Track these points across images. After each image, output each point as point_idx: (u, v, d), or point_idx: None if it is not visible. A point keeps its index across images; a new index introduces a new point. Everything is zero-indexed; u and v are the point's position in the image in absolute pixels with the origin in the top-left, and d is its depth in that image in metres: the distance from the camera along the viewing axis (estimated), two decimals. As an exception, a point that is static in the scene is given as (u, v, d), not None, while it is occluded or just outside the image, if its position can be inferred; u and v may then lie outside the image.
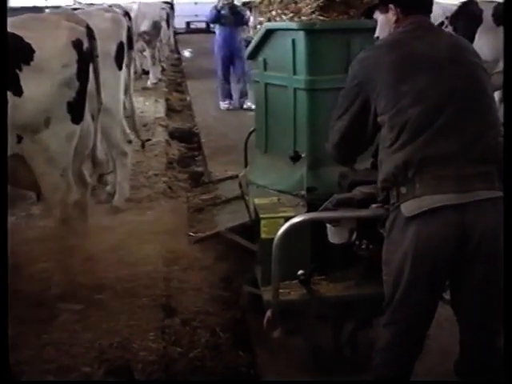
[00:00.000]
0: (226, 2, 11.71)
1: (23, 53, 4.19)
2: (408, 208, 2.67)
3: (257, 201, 4.00)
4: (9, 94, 4.10)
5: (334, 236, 3.39)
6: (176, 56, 22.47)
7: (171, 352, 3.95)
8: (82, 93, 4.47)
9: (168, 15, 17.06)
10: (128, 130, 6.44)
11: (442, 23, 9.61)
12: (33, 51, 4.20)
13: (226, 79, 12.08)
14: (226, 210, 4.92)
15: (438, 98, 2.71)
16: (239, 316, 4.52)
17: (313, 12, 4.19)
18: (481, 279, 2.72)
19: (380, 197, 2.92)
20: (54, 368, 3.72)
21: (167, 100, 13.17)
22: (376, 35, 3.21)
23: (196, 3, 39.03)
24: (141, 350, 3.89)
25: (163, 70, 17.36)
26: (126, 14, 7.46)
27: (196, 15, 37.30)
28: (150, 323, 4.15)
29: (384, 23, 3.09)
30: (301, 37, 4.12)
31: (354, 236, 3.34)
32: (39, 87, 4.23)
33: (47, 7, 9.76)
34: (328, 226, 3.38)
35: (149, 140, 7.52)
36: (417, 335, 2.93)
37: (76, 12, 6.21)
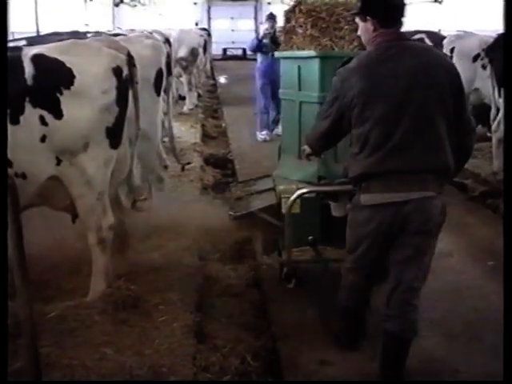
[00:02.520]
0: (267, 32, 11.69)
1: (64, 77, 4.29)
2: (365, 199, 3.77)
3: (281, 187, 5.19)
4: (49, 116, 4.21)
5: (335, 210, 4.77)
6: (212, 82, 22.66)
7: (201, 378, 3.93)
8: (120, 118, 4.55)
9: (205, 42, 17.26)
10: (164, 155, 6.49)
11: (478, 55, 9.59)
12: (74, 76, 4.30)
13: (266, 110, 12.08)
14: (259, 198, 6.12)
15: (391, 125, 3.63)
16: (270, 344, 4.52)
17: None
18: (406, 248, 3.76)
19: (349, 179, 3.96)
20: (84, 389, 3.74)
21: (203, 126, 13.28)
22: (358, 33, 4.05)
23: (233, 30, 39.56)
24: (171, 375, 3.88)
25: (199, 95, 17.53)
26: (167, 40, 7.57)
27: (233, 42, 37.74)
28: (181, 348, 4.14)
29: (364, 30, 3.90)
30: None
31: None
32: (79, 111, 4.32)
33: (89, 32, 9.91)
34: (331, 203, 4.76)
35: (189, 163, 7.55)
36: (374, 277, 4.11)
37: (117, 38, 6.33)
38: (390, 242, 3.79)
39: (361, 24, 3.90)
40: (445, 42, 10.35)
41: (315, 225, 5.07)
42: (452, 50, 10.02)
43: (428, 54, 3.82)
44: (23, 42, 7.72)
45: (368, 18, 3.81)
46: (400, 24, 3.81)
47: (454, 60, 9.91)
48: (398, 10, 3.82)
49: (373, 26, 3.78)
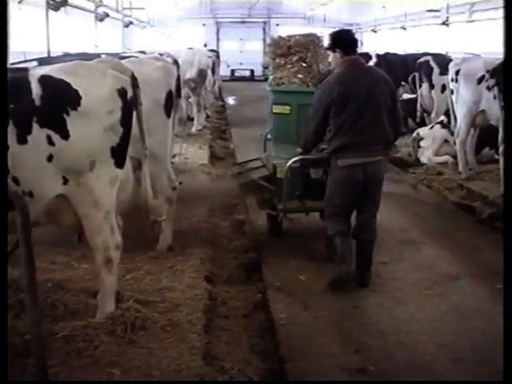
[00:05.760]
0: None
1: (71, 98, 4.33)
2: (341, 162, 5.72)
3: (275, 161, 7.06)
4: (56, 137, 4.24)
5: (314, 174, 6.64)
6: (220, 103, 22.76)
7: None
8: (125, 138, 4.59)
9: (214, 63, 17.32)
10: (173, 177, 6.51)
11: (482, 77, 9.60)
12: (80, 97, 4.34)
13: None
14: (254, 172, 7.64)
15: (358, 117, 5.66)
16: (277, 366, 4.51)
17: None
18: (370, 193, 5.82)
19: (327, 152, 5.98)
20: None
21: (211, 147, 13.37)
22: (329, 60, 6.22)
23: (241, 51, 39.84)
24: (178, 396, 3.88)
25: (208, 116, 17.60)
26: (175, 62, 7.60)
27: (241, 63, 37.97)
28: (189, 370, 4.13)
29: (334, 58, 5.96)
30: None
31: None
32: (85, 132, 4.36)
33: (100, 54, 9.98)
34: (311, 169, 6.60)
35: (180, 183, 7.53)
36: (347, 220, 5.99)
37: (128, 60, 6.37)
38: (358, 190, 5.75)
39: (332, 54, 5.97)
40: (450, 65, 10.40)
41: (299, 185, 6.88)
42: (457, 73, 10.04)
43: (374, 71, 6.20)
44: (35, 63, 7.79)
45: (336, 50, 5.87)
46: (356, 52, 6.01)
47: (460, 82, 9.96)
48: (355, 43, 6.03)
49: (340, 55, 5.87)
